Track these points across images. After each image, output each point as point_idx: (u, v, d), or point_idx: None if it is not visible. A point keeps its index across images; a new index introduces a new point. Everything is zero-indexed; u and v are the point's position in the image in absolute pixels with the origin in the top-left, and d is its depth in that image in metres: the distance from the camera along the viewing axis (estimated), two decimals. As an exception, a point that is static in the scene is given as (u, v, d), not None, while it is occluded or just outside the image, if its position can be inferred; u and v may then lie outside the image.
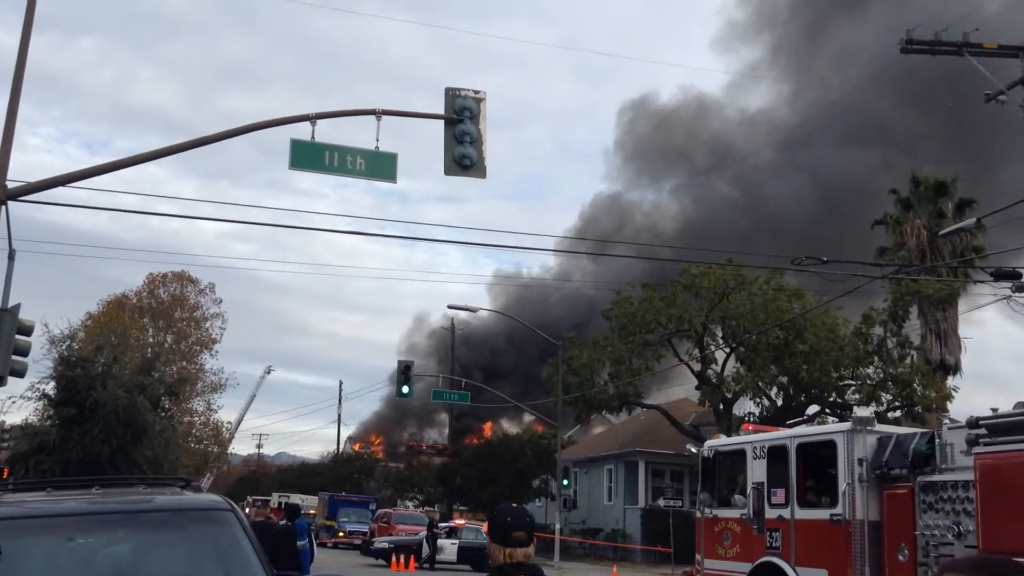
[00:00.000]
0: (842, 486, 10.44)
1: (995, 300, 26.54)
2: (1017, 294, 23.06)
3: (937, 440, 9.60)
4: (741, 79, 71.98)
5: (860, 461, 10.37)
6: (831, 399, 36.93)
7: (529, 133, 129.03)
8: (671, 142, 65.40)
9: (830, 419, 36.44)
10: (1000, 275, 23.45)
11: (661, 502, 39.73)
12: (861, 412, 10.33)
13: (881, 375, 35.64)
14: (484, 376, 57.83)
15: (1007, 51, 22.89)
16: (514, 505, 4.45)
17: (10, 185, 13.51)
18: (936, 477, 9.54)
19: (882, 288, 35.36)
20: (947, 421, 9.82)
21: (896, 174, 42.93)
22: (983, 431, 8.89)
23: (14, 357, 12.76)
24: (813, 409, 36.80)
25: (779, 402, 37.95)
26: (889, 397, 35.53)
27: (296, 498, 49.46)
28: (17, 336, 12.89)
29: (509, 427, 62.87)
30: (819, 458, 11.15)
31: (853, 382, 36.50)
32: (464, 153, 15.76)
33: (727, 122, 64.16)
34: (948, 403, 35.70)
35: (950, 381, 38.18)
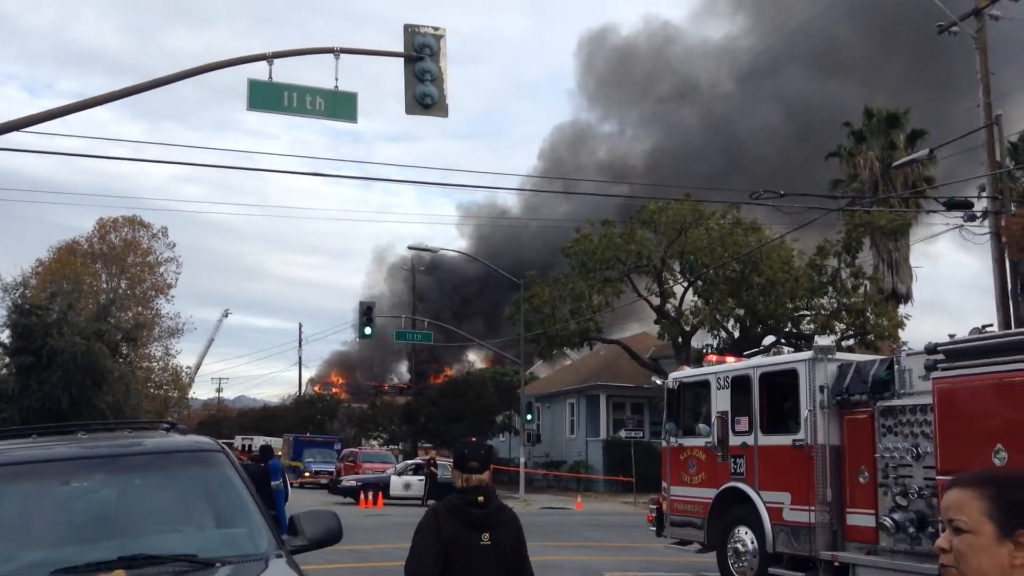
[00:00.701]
0: (804, 413, 10.77)
1: (947, 230, 27.14)
2: (968, 223, 23.58)
3: (896, 366, 9.91)
4: (701, 8, 71.44)
5: (821, 388, 10.69)
6: (787, 329, 37.74)
7: (482, 69, 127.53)
8: (634, 75, 65.12)
9: (786, 349, 37.17)
10: (952, 205, 23.96)
11: (623, 433, 40.52)
12: (822, 341, 10.63)
13: (835, 305, 36.45)
14: (450, 315, 58.02)
15: (961, -18, 23.12)
16: (472, 439, 5.17)
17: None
18: (895, 402, 9.88)
19: (836, 220, 35.94)
20: (906, 347, 10.13)
21: (852, 107, 43.24)
22: (941, 357, 9.20)
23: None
24: (770, 340, 37.62)
25: (736, 334, 38.71)
26: (843, 327, 36.42)
27: (260, 440, 49.65)
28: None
29: (474, 364, 63.33)
30: (781, 386, 11.46)
31: (808, 313, 37.29)
32: (425, 92, 15.59)
33: (690, 52, 63.94)
34: (900, 331, 36.69)
35: (902, 309, 39.20)
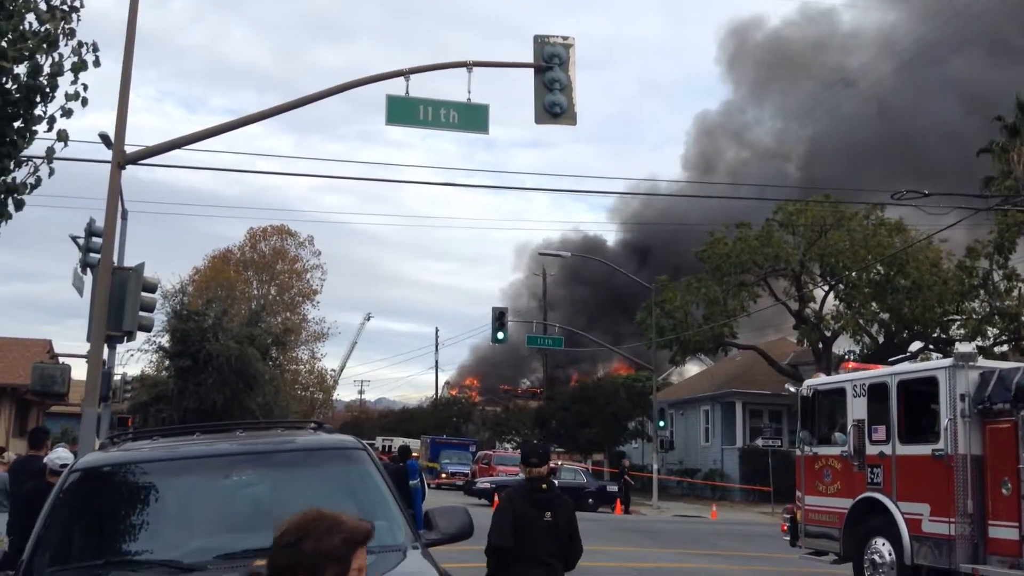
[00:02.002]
0: (944, 422, 10.46)
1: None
2: None
3: (1042, 374, 9.54)
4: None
5: (962, 397, 10.36)
6: (935, 335, 36.14)
7: (613, 74, 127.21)
8: (783, 67, 63.64)
9: (934, 355, 35.64)
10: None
11: (760, 442, 39.70)
12: (963, 348, 10.30)
13: (987, 309, 34.66)
14: (583, 321, 58.23)
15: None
16: (534, 442, 6.99)
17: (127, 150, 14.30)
18: (1040, 411, 9.51)
19: (987, 220, 34.21)
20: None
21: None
22: (1090, 365, 8.80)
23: (141, 313, 13.65)
24: (916, 346, 36.13)
25: (880, 339, 37.32)
26: (995, 331, 34.57)
27: (399, 441, 51.13)
28: (142, 293, 13.77)
29: (603, 370, 63.24)
30: (920, 395, 11.15)
31: (958, 317, 35.60)
32: (554, 101, 15.88)
33: (846, 41, 62.08)
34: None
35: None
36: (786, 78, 63.80)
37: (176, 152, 15.38)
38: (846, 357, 36.67)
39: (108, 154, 14.88)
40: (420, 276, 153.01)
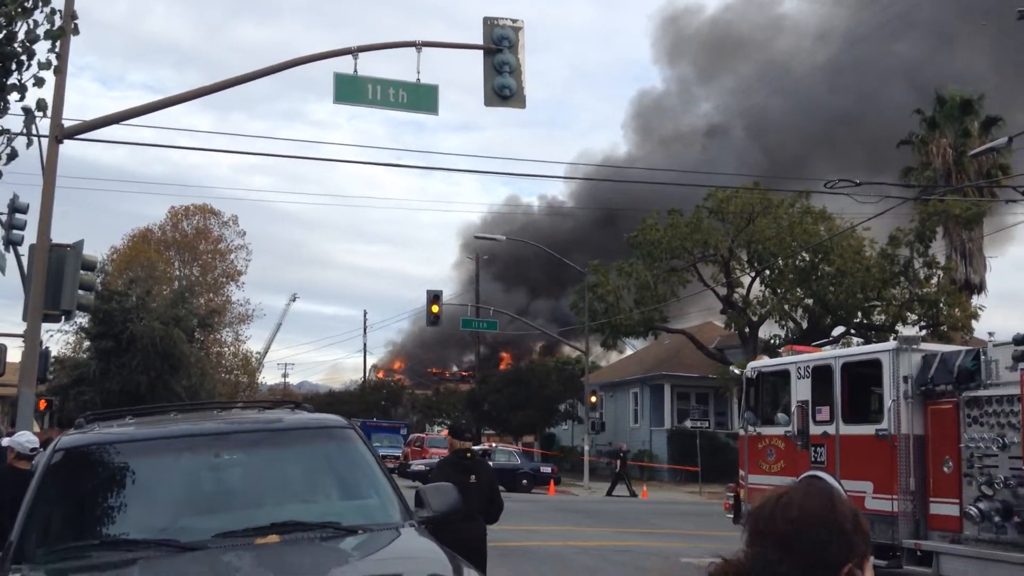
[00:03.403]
0: (888, 402, 10.83)
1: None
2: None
3: (983, 357, 9.93)
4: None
5: (905, 378, 10.74)
6: (857, 320, 37.28)
7: (544, 59, 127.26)
8: (720, 50, 64.60)
9: (855, 340, 36.82)
10: (1035, 193, 23.53)
11: (688, 423, 40.55)
12: (906, 331, 10.67)
13: (907, 296, 35.89)
14: (513, 304, 58.35)
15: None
16: (463, 421, 11.53)
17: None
18: (981, 392, 9.90)
19: (909, 209, 35.37)
20: (992, 338, 10.13)
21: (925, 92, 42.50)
22: (1030, 347, 9.21)
23: (80, 291, 13.22)
24: (839, 331, 37.21)
25: (804, 325, 38.34)
26: (915, 317, 35.84)
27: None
28: (81, 272, 13.34)
29: (542, 352, 63.52)
30: (864, 376, 11.52)
31: (879, 303, 36.77)
32: (504, 83, 15.85)
33: (769, 29, 63.26)
34: (973, 322, 36.02)
35: (975, 300, 38.46)
36: (725, 63, 64.92)
37: (103, 129, 14.93)
38: (772, 341, 37.66)
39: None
40: (348, 259, 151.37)
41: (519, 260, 63.66)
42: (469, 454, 8.01)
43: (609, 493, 33.10)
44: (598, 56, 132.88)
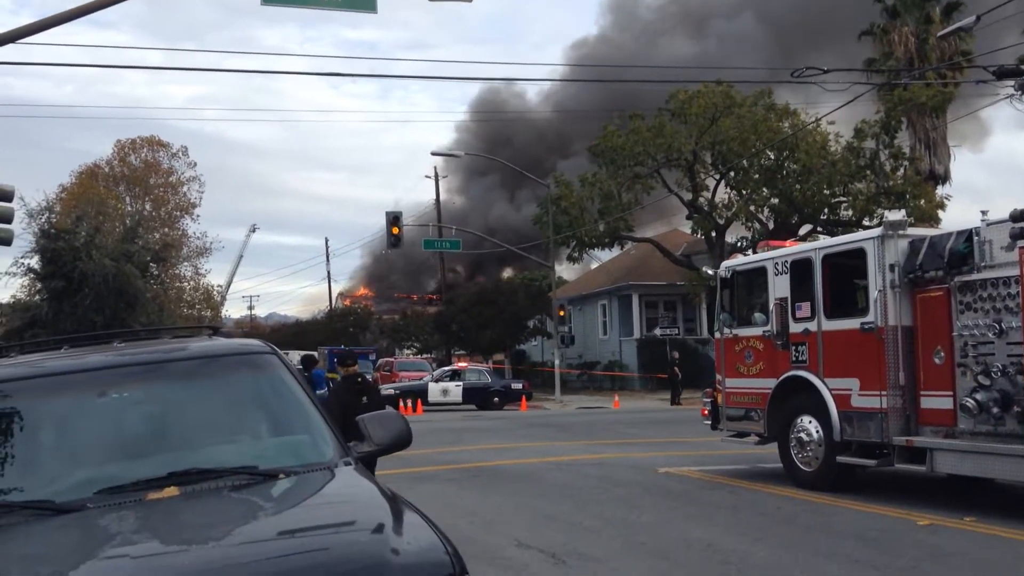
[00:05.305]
0: (873, 294, 10.16)
1: (996, 100, 25.91)
2: (1018, 93, 22.39)
3: (976, 238, 9.23)
4: None
5: (892, 267, 10.05)
6: (824, 217, 36.78)
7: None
8: None
9: (822, 238, 36.41)
10: (1003, 73, 22.69)
11: (657, 331, 40.21)
12: (892, 215, 9.92)
13: (874, 189, 35.36)
14: (479, 221, 57.31)
15: None
16: (345, 348, 15.72)
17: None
18: (975, 276, 9.23)
19: (873, 102, 34.60)
20: (986, 216, 9.38)
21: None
22: (1029, 224, 8.51)
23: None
24: (806, 229, 36.75)
25: (771, 225, 37.80)
26: (882, 211, 35.36)
27: (296, 354, 49.82)
28: (-4, 203, 12.21)
29: (504, 272, 62.79)
30: (846, 268, 10.83)
31: (846, 198, 36.26)
32: (447, -25, 14.71)
33: None
34: (940, 212, 35.68)
35: (940, 191, 38.11)
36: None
37: (31, 54, 13.62)
38: (738, 244, 37.11)
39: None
40: (307, 187, 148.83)
41: (483, 171, 62.29)
42: (360, 378, 9.44)
43: (674, 401, 32.90)
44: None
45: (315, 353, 29.63)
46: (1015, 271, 8.67)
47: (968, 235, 9.38)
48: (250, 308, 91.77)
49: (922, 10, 39.68)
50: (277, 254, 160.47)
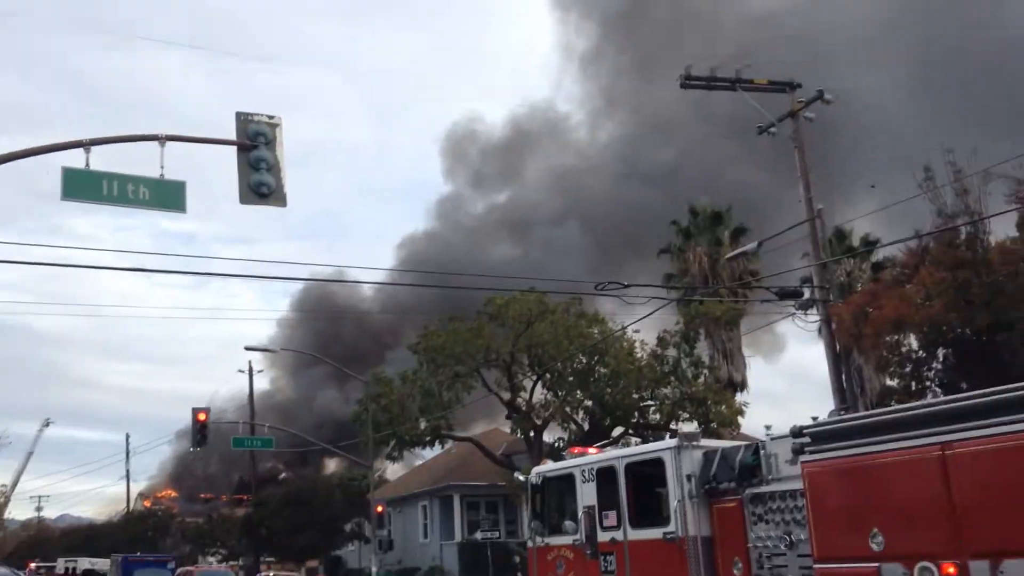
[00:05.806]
0: (673, 503, 10.49)
1: (781, 318, 28.26)
2: (799, 312, 24.59)
3: (762, 451, 9.79)
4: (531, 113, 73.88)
5: (688, 477, 10.46)
6: (635, 420, 38.08)
7: (323, 174, 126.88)
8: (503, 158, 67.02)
9: (634, 440, 37.55)
10: (784, 294, 25.00)
11: (479, 535, 39.44)
12: (686, 427, 10.44)
13: (678, 394, 37.15)
14: (299, 417, 55.67)
15: (777, 86, 24.59)
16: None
17: None
18: (764, 488, 9.72)
19: (673, 313, 37.06)
20: (768, 432, 10.04)
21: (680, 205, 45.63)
22: (807, 440, 9.13)
23: None
24: (619, 431, 37.85)
25: (586, 426, 38.69)
26: (687, 415, 37.05)
27: (85, 562, 45.29)
28: None
29: (323, 470, 60.65)
30: (648, 477, 11.17)
31: (653, 402, 37.82)
32: (261, 180, 14.94)
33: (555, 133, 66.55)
34: (740, 419, 37.74)
35: (739, 397, 40.48)
36: (511, 167, 67.48)
37: None
38: (556, 444, 37.68)
39: None
40: (110, 380, 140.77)
41: (310, 362, 61.07)
42: None
43: None
44: (378, 174, 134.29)
45: (97, 564, 27.04)
46: (799, 484, 9.20)
47: (755, 448, 9.95)
48: (38, 509, 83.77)
49: (713, 233, 43.69)
50: (75, 450, 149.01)
